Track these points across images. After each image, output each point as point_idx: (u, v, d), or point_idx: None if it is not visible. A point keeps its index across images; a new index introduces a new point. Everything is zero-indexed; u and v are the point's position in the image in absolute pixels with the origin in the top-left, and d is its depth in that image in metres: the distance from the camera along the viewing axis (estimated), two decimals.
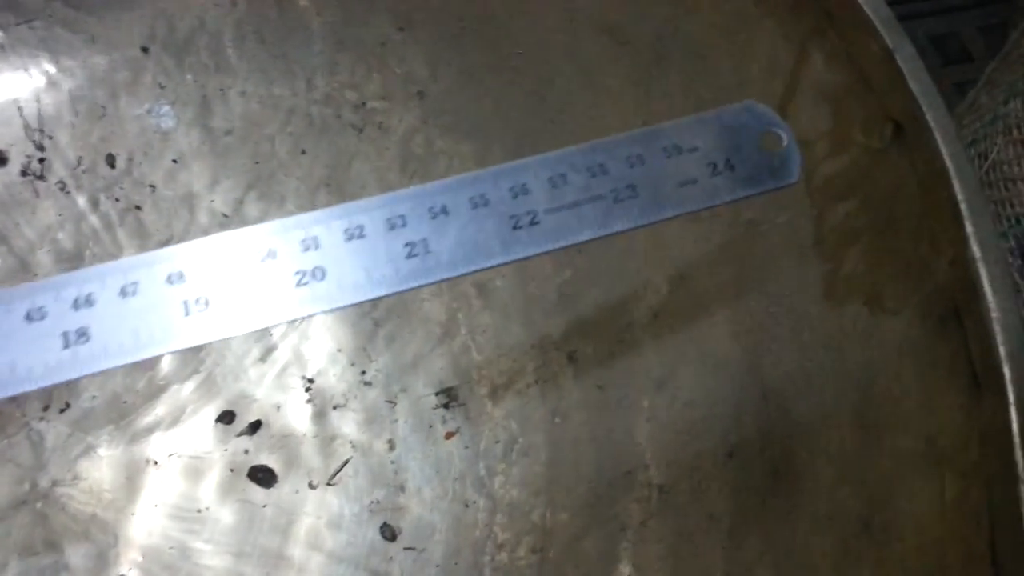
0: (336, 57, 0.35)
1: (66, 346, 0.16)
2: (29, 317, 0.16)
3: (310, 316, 0.17)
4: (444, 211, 0.16)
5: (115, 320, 0.16)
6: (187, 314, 0.16)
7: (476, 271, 0.17)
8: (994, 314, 0.16)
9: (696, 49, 0.27)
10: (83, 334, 0.16)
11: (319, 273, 0.16)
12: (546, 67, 0.31)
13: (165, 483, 0.31)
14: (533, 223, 0.17)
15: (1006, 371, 0.15)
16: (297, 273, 0.16)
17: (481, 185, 0.17)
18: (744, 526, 0.23)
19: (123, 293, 0.16)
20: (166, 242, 0.35)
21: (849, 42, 0.20)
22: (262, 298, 0.16)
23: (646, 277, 0.28)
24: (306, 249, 0.16)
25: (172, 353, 0.24)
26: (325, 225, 0.17)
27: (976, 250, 0.16)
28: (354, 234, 0.16)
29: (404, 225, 0.16)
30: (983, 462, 0.15)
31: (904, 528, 0.18)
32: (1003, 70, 0.30)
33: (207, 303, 0.16)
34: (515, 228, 0.17)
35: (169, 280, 0.16)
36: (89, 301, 0.16)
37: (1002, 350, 0.15)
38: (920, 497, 0.17)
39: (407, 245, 0.16)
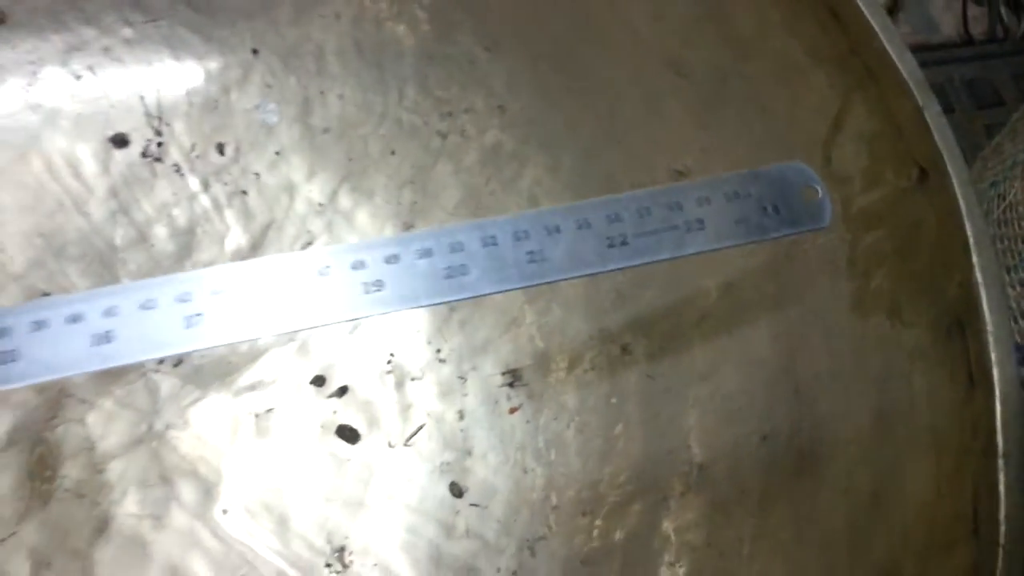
0: (426, 71, 0.40)
1: (187, 327, 0.21)
2: (145, 306, 0.21)
3: (458, 300, 0.22)
4: (557, 229, 0.21)
5: (228, 308, 0.20)
6: (366, 293, 0.20)
7: (577, 276, 0.21)
8: (990, 328, 0.20)
9: (752, 89, 0.31)
10: (198, 315, 0.20)
11: (464, 269, 0.21)
12: (614, 93, 0.36)
13: (264, 434, 0.36)
14: (623, 244, 0.22)
15: (995, 373, 0.20)
16: (447, 268, 0.21)
17: (585, 212, 0.21)
18: (772, 499, 0.27)
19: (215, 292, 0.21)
20: (268, 224, 0.40)
21: (886, 97, 0.25)
22: (425, 286, 0.21)
23: (697, 284, 0.32)
24: (453, 251, 0.21)
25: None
26: (467, 234, 0.21)
27: (979, 276, 0.21)
28: (488, 241, 0.21)
29: (527, 238, 0.21)
30: (972, 443, 0.20)
31: (907, 499, 0.22)
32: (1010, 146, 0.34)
33: (381, 285, 0.21)
34: (609, 246, 0.22)
35: (354, 267, 0.21)
36: (217, 290, 0.21)
37: (993, 356, 0.20)
38: (920, 474, 0.22)
39: (528, 253, 0.21)
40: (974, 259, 0.21)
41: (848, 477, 0.25)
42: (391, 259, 0.20)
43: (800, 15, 0.28)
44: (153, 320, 0.20)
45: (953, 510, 0.20)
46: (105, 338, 0.20)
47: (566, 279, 0.21)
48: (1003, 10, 0.49)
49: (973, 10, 0.50)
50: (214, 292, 0.21)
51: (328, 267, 0.21)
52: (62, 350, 0.20)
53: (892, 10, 0.48)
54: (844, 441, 0.26)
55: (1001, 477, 0.19)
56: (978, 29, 0.50)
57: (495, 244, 0.21)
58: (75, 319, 0.20)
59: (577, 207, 0.21)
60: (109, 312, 0.21)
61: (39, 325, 0.20)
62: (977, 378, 0.20)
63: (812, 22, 0.27)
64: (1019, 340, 0.30)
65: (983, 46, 0.50)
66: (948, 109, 0.48)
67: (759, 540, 0.27)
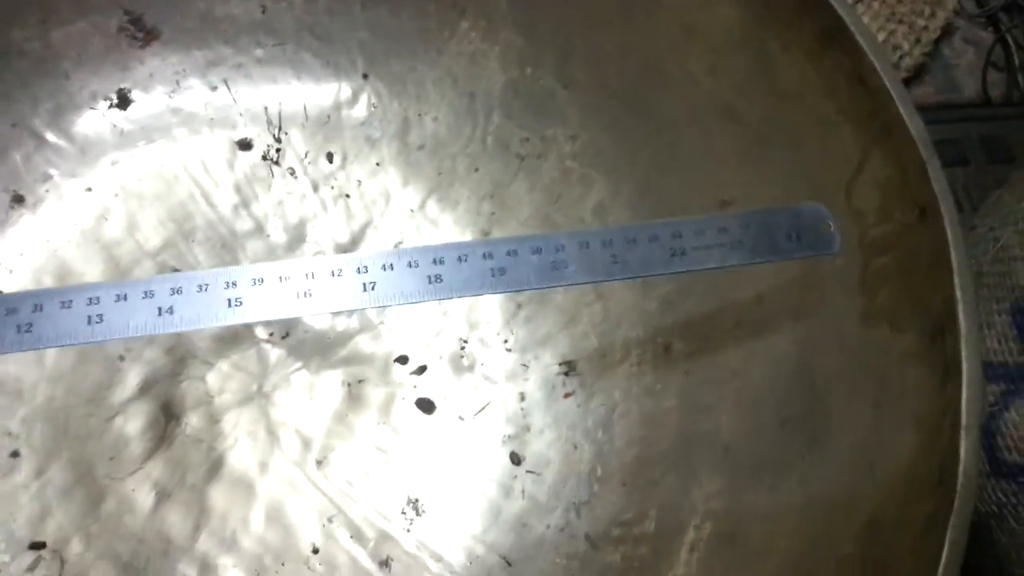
0: (511, 102, 0.46)
1: (229, 305, 0.26)
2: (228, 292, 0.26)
3: (559, 286, 0.27)
4: (634, 240, 0.28)
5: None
6: (492, 277, 0.27)
7: (647, 276, 0.28)
8: (963, 333, 0.27)
9: (790, 136, 0.38)
10: (239, 301, 0.25)
11: (565, 264, 0.27)
12: (672, 132, 0.43)
13: (355, 400, 0.42)
14: (683, 254, 0.28)
15: (964, 367, 0.26)
16: (552, 262, 0.27)
17: (656, 229, 0.28)
18: (785, 472, 0.34)
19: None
20: (367, 224, 0.47)
21: (898, 150, 0.31)
22: (536, 274, 0.27)
23: (733, 296, 0.39)
24: (557, 250, 0.27)
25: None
26: (568, 239, 0.27)
27: (959, 294, 0.27)
28: (583, 245, 0.27)
29: (611, 245, 0.27)
30: (943, 420, 0.26)
31: (892, 466, 0.29)
32: (1020, 189, 0.40)
33: (504, 272, 0.27)
34: (671, 255, 0.28)
35: (484, 256, 0.27)
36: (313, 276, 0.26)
37: (964, 354, 0.26)
38: (905, 446, 0.28)
39: (612, 256, 0.27)
40: (955, 281, 0.28)
41: (849, 452, 0.31)
42: (511, 252, 0.27)
43: (834, 78, 0.35)
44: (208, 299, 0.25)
45: (926, 471, 0.26)
46: (169, 311, 0.25)
47: (638, 277, 0.28)
48: (1020, 76, 0.55)
49: (993, 75, 0.56)
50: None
51: (465, 255, 0.27)
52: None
53: (919, 72, 0.55)
54: (847, 425, 0.32)
55: (962, 443, 0.25)
56: (996, 92, 0.56)
57: (587, 247, 0.27)
58: (148, 295, 0.26)
59: (649, 224, 0.28)
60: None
61: (120, 298, 0.26)
62: (951, 371, 0.27)
63: (843, 85, 0.34)
64: (994, 358, 0.36)
65: (1000, 108, 0.56)
66: (964, 162, 0.54)
67: (773, 505, 0.34)
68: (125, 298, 0.24)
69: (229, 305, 0.25)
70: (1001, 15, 0.57)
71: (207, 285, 0.25)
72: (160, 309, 0.25)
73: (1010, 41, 0.56)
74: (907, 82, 0.54)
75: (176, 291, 0.25)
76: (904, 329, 0.30)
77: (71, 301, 0.24)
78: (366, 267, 0.26)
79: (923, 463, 0.27)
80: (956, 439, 0.25)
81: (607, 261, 0.27)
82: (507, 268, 0.26)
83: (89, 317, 0.24)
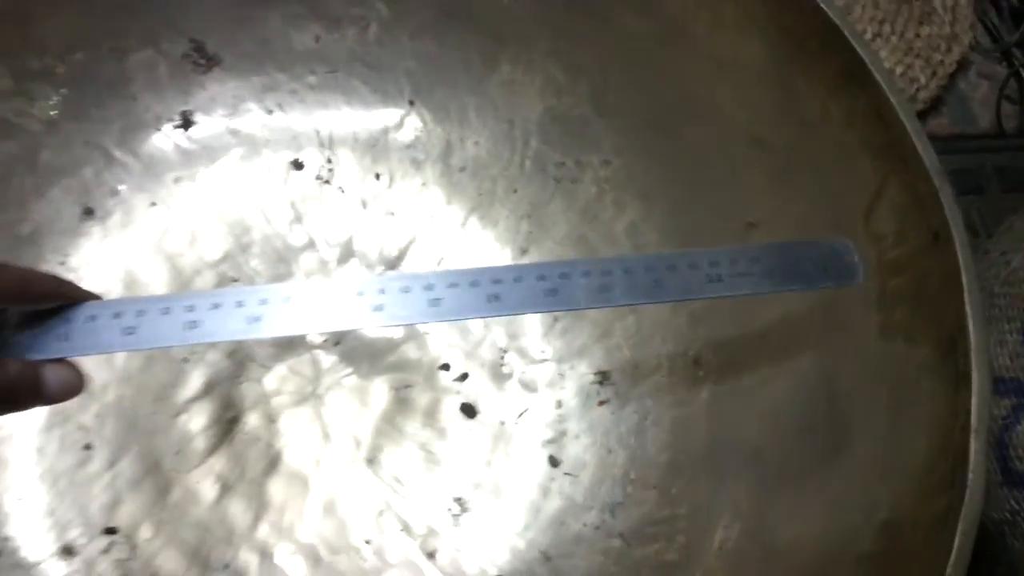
0: (548, 128, 0.50)
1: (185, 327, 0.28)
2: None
3: (606, 307, 0.30)
4: (675, 267, 0.30)
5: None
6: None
7: (686, 299, 0.31)
8: (973, 345, 0.30)
9: (814, 164, 0.41)
10: (257, 318, 0.28)
11: (611, 287, 0.30)
12: (702, 159, 0.46)
13: (402, 404, 0.45)
14: (719, 280, 0.31)
15: (974, 376, 0.29)
16: (600, 285, 0.30)
17: (694, 257, 0.30)
18: (809, 476, 0.36)
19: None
20: (411, 241, 0.50)
21: (913, 179, 0.34)
22: (585, 296, 0.29)
23: (760, 313, 0.42)
24: (603, 274, 0.30)
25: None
26: (614, 264, 0.30)
27: (969, 310, 0.30)
28: (627, 270, 0.30)
29: (654, 270, 0.30)
30: (955, 424, 0.29)
31: (907, 469, 0.31)
32: None
33: (556, 293, 0.30)
34: (708, 282, 0.31)
35: (538, 278, 0.30)
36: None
37: (974, 364, 0.29)
38: (920, 450, 0.31)
39: (655, 280, 0.30)
40: (966, 298, 0.30)
41: (868, 457, 0.34)
42: (563, 276, 0.29)
43: (854, 112, 0.38)
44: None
45: (939, 472, 0.29)
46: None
47: (679, 300, 0.31)
48: None
49: (1007, 107, 0.59)
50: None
51: (521, 277, 0.29)
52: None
53: (936, 104, 0.58)
54: (866, 432, 0.35)
55: (972, 445, 0.28)
56: (1010, 124, 0.59)
57: (631, 272, 0.30)
58: (240, 304, 0.28)
59: (688, 253, 0.31)
60: (262, 302, 0.29)
61: (216, 306, 0.29)
62: (962, 381, 0.29)
63: (863, 118, 0.37)
64: (1006, 374, 0.39)
65: (1014, 139, 0.59)
66: (979, 190, 0.57)
67: (797, 506, 0.36)
68: (218, 307, 0.28)
69: (296, 318, 0.28)
70: (1015, 50, 0.60)
71: (290, 297, 0.29)
72: (249, 318, 0.28)
73: (1023, 75, 0.59)
74: (924, 113, 0.57)
75: (263, 302, 0.28)
76: (919, 343, 0.33)
77: (170, 308, 0.27)
78: (432, 285, 0.29)
79: (936, 465, 0.30)
80: (966, 442, 0.28)
81: (650, 285, 0.30)
82: (559, 289, 0.29)
83: (185, 323, 0.27)
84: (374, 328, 0.47)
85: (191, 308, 0.27)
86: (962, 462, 0.28)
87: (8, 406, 0.25)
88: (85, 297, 0.27)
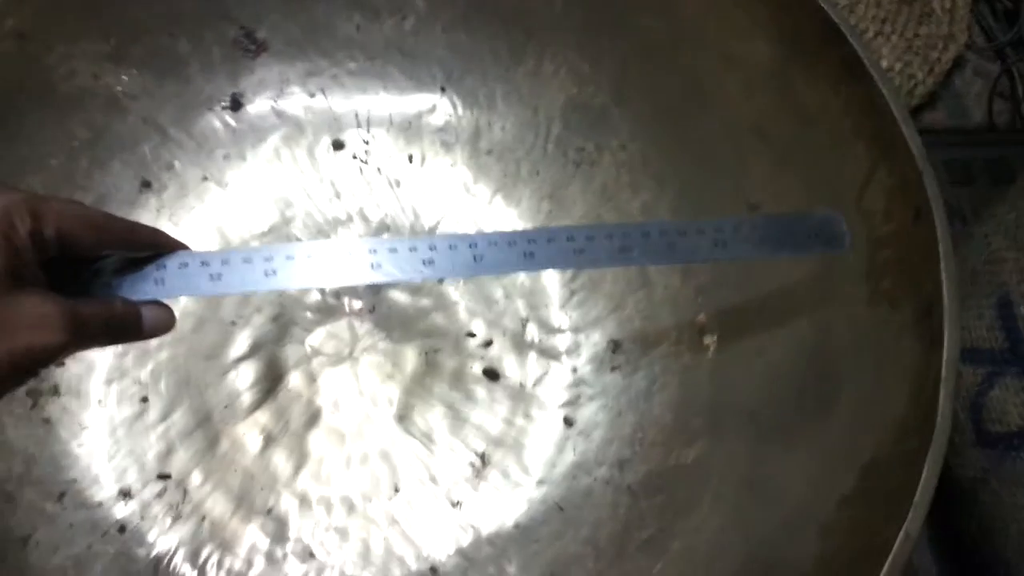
0: (569, 116, 0.54)
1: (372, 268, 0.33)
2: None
3: (625, 266, 0.34)
4: (685, 233, 0.34)
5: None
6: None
7: (696, 261, 0.35)
8: (947, 310, 0.34)
9: (812, 150, 0.45)
10: (379, 264, 0.33)
11: (630, 248, 0.34)
12: (712, 146, 0.50)
13: (431, 367, 0.50)
14: (724, 245, 0.35)
15: (946, 336, 0.33)
16: (621, 246, 0.34)
17: (702, 225, 0.34)
18: (801, 430, 0.41)
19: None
20: (442, 216, 0.54)
21: (900, 163, 0.38)
22: (608, 256, 0.34)
23: (760, 286, 0.46)
24: (624, 237, 0.34)
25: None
26: (634, 228, 0.34)
27: (944, 279, 0.34)
28: (645, 234, 0.34)
29: (667, 235, 0.34)
30: (927, 376, 0.33)
31: (887, 417, 0.36)
32: (1013, 202, 0.47)
33: (583, 251, 0.34)
34: (714, 246, 0.35)
35: (568, 239, 0.35)
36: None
37: (946, 327, 0.33)
38: (899, 401, 0.35)
39: (668, 244, 0.34)
40: (942, 268, 0.35)
41: (854, 409, 0.38)
42: (589, 237, 0.33)
43: (850, 102, 0.42)
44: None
45: (913, 418, 0.33)
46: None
47: (689, 262, 0.35)
48: (1023, 106, 0.62)
49: (999, 104, 0.63)
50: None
51: (553, 238, 0.33)
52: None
53: (932, 99, 0.62)
54: (854, 387, 0.39)
55: (941, 393, 0.32)
56: (1001, 119, 0.63)
57: (648, 236, 0.34)
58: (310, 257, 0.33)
59: (697, 221, 0.35)
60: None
61: (289, 258, 0.33)
62: (936, 340, 0.34)
63: (857, 108, 0.41)
64: (982, 345, 0.43)
65: (1004, 134, 0.63)
66: (970, 181, 0.60)
67: (788, 458, 0.41)
68: (293, 258, 0.32)
69: (372, 268, 0.32)
70: (1008, 50, 0.64)
71: (351, 252, 0.33)
72: (314, 272, 0.32)
73: (1015, 73, 0.63)
74: (920, 108, 0.61)
75: (333, 254, 0.32)
76: (901, 308, 0.37)
77: (251, 258, 0.32)
78: (476, 243, 0.33)
79: (910, 412, 0.34)
80: (937, 391, 0.32)
81: (664, 248, 0.34)
82: (585, 249, 0.33)
83: (266, 271, 0.32)
84: (398, 296, 0.51)
85: (269, 259, 0.31)
86: (932, 408, 0.32)
87: (112, 339, 0.30)
88: (177, 247, 0.31)
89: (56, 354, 0.26)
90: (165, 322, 0.31)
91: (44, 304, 0.26)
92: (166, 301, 0.31)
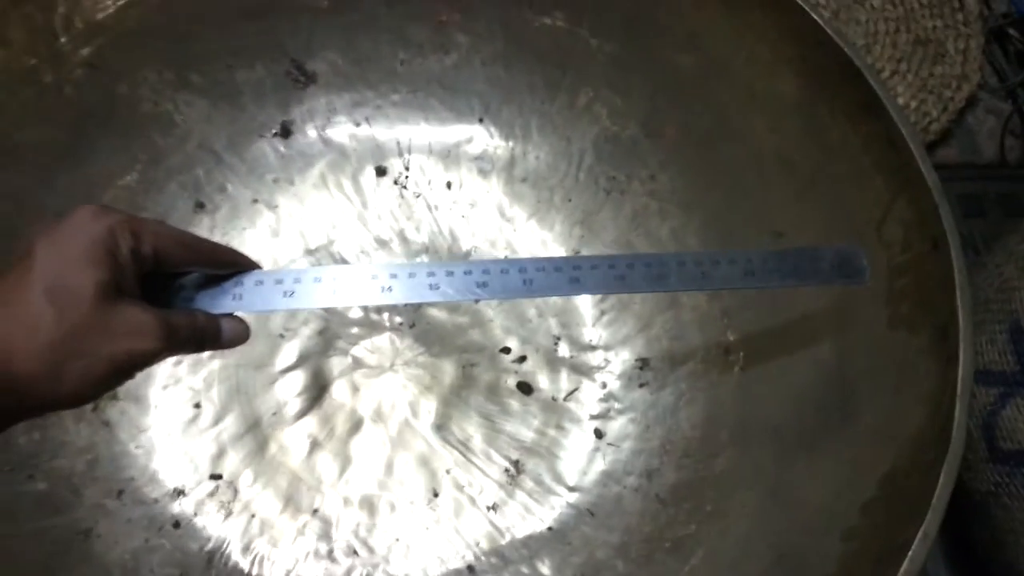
0: (601, 146, 0.57)
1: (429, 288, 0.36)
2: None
3: (664, 291, 0.37)
4: (718, 262, 0.37)
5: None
6: (615, 280, 0.36)
7: (727, 288, 0.38)
8: (961, 333, 0.36)
9: (834, 182, 0.48)
10: (389, 288, 0.36)
11: (667, 274, 0.37)
12: (738, 175, 0.53)
13: (468, 380, 0.52)
14: (752, 274, 0.38)
15: (961, 355, 0.36)
16: (659, 272, 0.37)
17: (734, 255, 0.37)
18: (823, 443, 0.43)
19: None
20: (478, 240, 0.57)
21: (918, 197, 0.41)
22: (647, 281, 0.37)
23: (784, 309, 0.49)
24: (662, 265, 0.37)
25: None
26: (671, 258, 0.37)
27: (959, 303, 0.37)
28: (680, 263, 0.36)
29: (702, 264, 0.37)
30: (945, 391, 0.36)
31: (906, 430, 0.38)
32: None
33: (624, 278, 0.37)
34: (744, 275, 0.38)
35: (610, 265, 0.37)
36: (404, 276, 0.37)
37: (961, 347, 0.36)
38: (917, 415, 0.38)
39: (702, 272, 0.37)
40: (957, 294, 0.37)
41: (873, 425, 0.40)
42: (630, 265, 0.36)
43: (869, 138, 0.45)
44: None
45: (931, 431, 0.36)
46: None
47: (721, 289, 0.38)
48: None
49: (1010, 141, 0.66)
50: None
51: (596, 265, 0.36)
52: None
53: (946, 136, 0.65)
54: (874, 405, 0.41)
55: (957, 406, 0.34)
56: (1012, 155, 0.65)
57: (684, 265, 0.37)
58: (374, 277, 0.36)
59: (729, 252, 0.37)
60: (392, 276, 0.35)
61: (350, 276, 0.36)
62: (952, 359, 0.36)
63: (877, 146, 0.44)
64: (994, 368, 0.46)
65: (1016, 169, 0.65)
66: (982, 214, 0.63)
67: (811, 469, 0.43)
68: (354, 277, 0.35)
69: (430, 288, 0.35)
70: (1019, 90, 0.67)
71: (414, 274, 0.35)
72: (383, 288, 0.35)
73: None
74: (934, 144, 0.64)
75: (393, 276, 0.35)
76: (919, 331, 0.39)
77: (320, 277, 0.34)
78: (525, 268, 0.36)
79: (928, 426, 0.36)
80: (952, 406, 0.35)
81: (698, 275, 0.37)
82: (626, 276, 0.36)
83: (334, 289, 0.34)
84: (437, 313, 0.54)
85: (335, 278, 0.34)
86: (948, 421, 0.34)
87: (196, 347, 0.32)
88: (253, 266, 0.34)
89: (152, 359, 0.29)
90: (241, 334, 0.34)
91: (143, 314, 0.29)
92: (241, 315, 0.34)
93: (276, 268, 0.33)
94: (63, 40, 0.48)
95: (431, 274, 0.35)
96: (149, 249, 0.29)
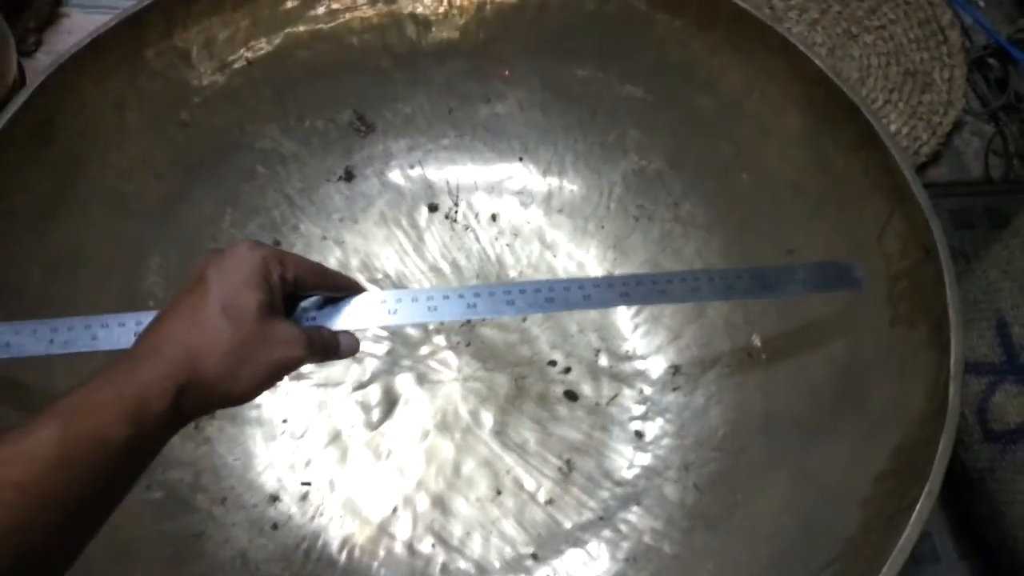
0: (629, 178, 0.64)
1: (505, 303, 0.43)
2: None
3: (695, 302, 0.44)
4: (741, 276, 0.44)
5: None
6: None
7: (749, 298, 0.45)
8: (952, 327, 0.43)
9: (838, 203, 0.55)
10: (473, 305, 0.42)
11: (699, 286, 0.44)
12: (752, 199, 0.60)
13: (520, 390, 0.59)
14: (771, 287, 0.45)
15: (952, 346, 0.42)
16: (693, 286, 0.44)
17: (754, 271, 0.44)
18: (839, 428, 0.50)
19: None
20: (523, 266, 0.64)
21: (911, 213, 0.48)
22: (683, 293, 0.44)
23: (799, 315, 0.55)
24: (695, 279, 0.44)
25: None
26: (702, 274, 0.44)
27: (950, 302, 0.44)
28: (711, 278, 0.44)
29: (728, 278, 0.44)
30: (939, 378, 0.43)
31: (906, 414, 0.45)
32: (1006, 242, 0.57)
33: (665, 291, 0.44)
34: (763, 287, 0.45)
35: (654, 281, 0.44)
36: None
37: (952, 340, 0.43)
38: (916, 401, 0.45)
39: (728, 285, 0.44)
40: (947, 294, 0.44)
41: (882, 408, 0.47)
42: (670, 280, 0.43)
43: (869, 165, 0.52)
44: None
45: (931, 407, 0.43)
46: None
47: (746, 298, 0.45)
48: (1015, 161, 0.72)
49: (993, 159, 0.72)
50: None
51: (642, 281, 0.43)
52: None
53: (935, 157, 0.72)
54: (882, 392, 0.48)
55: (951, 389, 0.41)
56: (996, 172, 0.72)
57: (712, 280, 0.44)
58: (461, 296, 0.43)
59: (750, 268, 0.45)
60: (476, 294, 0.42)
61: (446, 297, 0.43)
62: (945, 347, 0.43)
63: (875, 170, 0.51)
64: (984, 360, 0.52)
65: (999, 185, 0.72)
66: (970, 226, 0.70)
67: (830, 450, 0.50)
68: (447, 297, 0.42)
69: (507, 304, 0.42)
70: (1000, 113, 0.74)
71: (494, 292, 0.43)
72: (468, 305, 0.42)
73: (1007, 133, 0.73)
74: (926, 165, 0.71)
75: (476, 295, 0.42)
76: (917, 327, 0.46)
77: (417, 297, 0.42)
78: (584, 285, 0.43)
79: (928, 405, 0.43)
80: (947, 387, 0.41)
81: (725, 288, 0.44)
82: (666, 290, 0.43)
83: (428, 307, 0.41)
84: (489, 332, 0.61)
85: (431, 297, 0.41)
86: (944, 400, 0.41)
87: (323, 357, 0.39)
88: (362, 290, 0.41)
89: (297, 364, 0.36)
90: (355, 346, 0.41)
91: (292, 328, 0.36)
92: (353, 331, 0.41)
93: (380, 292, 0.40)
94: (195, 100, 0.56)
95: (507, 292, 0.42)
96: (291, 275, 0.36)
